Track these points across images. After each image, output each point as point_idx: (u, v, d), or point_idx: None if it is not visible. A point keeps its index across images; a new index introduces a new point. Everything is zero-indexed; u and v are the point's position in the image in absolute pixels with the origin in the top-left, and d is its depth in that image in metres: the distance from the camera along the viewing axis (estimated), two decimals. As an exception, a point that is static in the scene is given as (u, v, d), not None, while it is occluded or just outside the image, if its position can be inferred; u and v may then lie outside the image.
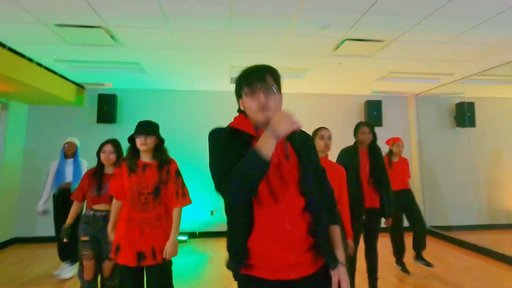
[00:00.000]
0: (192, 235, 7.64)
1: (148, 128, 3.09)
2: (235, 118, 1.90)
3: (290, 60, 6.02)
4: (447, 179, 8.65)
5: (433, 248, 6.79)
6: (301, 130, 1.88)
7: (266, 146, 1.61)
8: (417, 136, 8.88)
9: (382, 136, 8.39)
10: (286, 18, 4.35)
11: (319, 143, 3.42)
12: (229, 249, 1.76)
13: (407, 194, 5.62)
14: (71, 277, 5.06)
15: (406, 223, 5.51)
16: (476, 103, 8.75)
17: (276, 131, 1.62)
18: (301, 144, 1.90)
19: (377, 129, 8.06)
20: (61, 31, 4.64)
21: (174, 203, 3.13)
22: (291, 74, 6.87)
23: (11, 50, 5.36)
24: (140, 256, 2.94)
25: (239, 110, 1.92)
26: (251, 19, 4.37)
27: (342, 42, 5.17)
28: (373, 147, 4.32)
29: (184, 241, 7.34)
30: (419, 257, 5.57)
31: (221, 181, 1.63)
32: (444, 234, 7.89)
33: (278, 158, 1.80)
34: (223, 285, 4.72)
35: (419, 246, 5.54)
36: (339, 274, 1.71)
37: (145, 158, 3.13)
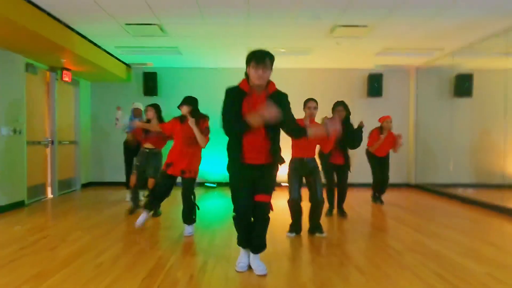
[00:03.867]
0: (220, 184, 10.42)
1: (187, 101, 5.50)
2: (242, 81, 3.86)
3: (295, 41, 8.32)
4: (441, 144, 10.46)
5: (419, 199, 9.21)
6: (279, 91, 3.87)
7: (253, 121, 3.54)
8: (415, 105, 11.01)
9: (381, 105, 10.71)
10: (287, 12, 6.56)
11: (306, 112, 5.47)
12: (229, 150, 3.87)
13: (385, 160, 8.03)
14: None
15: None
16: (475, 74, 10.15)
17: (264, 116, 3.58)
18: (277, 100, 3.67)
19: (376, 100, 10.72)
20: (128, 28, 7.20)
21: None
22: (298, 52, 9.16)
23: (89, 40, 8.03)
24: (182, 171, 5.42)
25: (245, 74, 3.85)
26: (263, 15, 6.66)
27: (335, 27, 7.28)
28: (346, 121, 6.52)
29: (214, 187, 10.15)
30: (378, 198, 8.20)
31: (224, 123, 3.78)
32: (430, 188, 10.15)
33: (256, 107, 3.68)
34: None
35: (380, 191, 8.12)
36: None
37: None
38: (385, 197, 8.24)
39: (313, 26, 7.32)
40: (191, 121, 5.24)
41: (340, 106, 6.52)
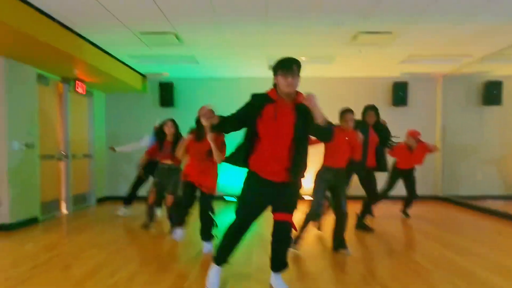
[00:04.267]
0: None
1: None
2: (270, 90, 3.82)
3: (316, 49, 8.29)
4: (470, 155, 10.46)
5: (447, 212, 9.09)
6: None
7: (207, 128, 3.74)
8: (442, 114, 10.84)
9: (406, 115, 10.64)
10: (307, 20, 6.54)
11: (343, 124, 5.41)
12: (235, 157, 3.85)
13: (410, 174, 8.07)
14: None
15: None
16: (505, 81, 10.30)
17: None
18: (305, 110, 3.64)
19: (401, 109, 10.65)
20: (143, 37, 7.26)
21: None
22: (320, 61, 9.11)
23: (102, 50, 8.11)
24: (199, 184, 5.43)
25: (274, 85, 3.73)
26: (282, 22, 6.65)
27: (357, 34, 7.23)
28: (376, 125, 6.63)
29: (233, 201, 10.04)
30: (405, 212, 8.22)
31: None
32: (458, 201, 9.97)
33: (285, 116, 3.64)
34: (262, 239, 5.97)
35: (407, 206, 8.16)
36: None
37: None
38: (411, 210, 8.16)
39: (334, 33, 7.27)
40: (210, 137, 5.01)
41: (371, 111, 6.59)
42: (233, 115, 3.79)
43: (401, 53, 8.66)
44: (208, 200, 5.49)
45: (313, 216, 5.34)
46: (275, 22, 6.65)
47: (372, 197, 6.80)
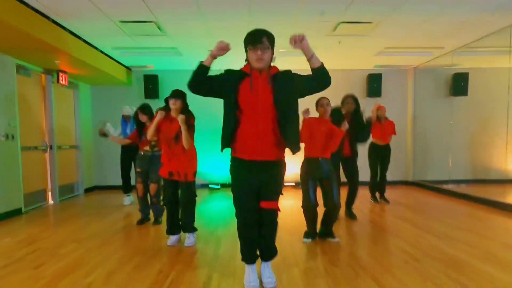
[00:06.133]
0: (223, 185, 9.82)
1: (177, 94, 4.70)
2: (244, 66, 3.20)
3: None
4: (438, 142, 9.99)
5: (420, 196, 8.51)
6: (285, 70, 3.18)
7: (205, 60, 3.12)
8: (412, 104, 10.42)
9: (382, 104, 10.01)
10: (291, 10, 5.93)
11: (320, 110, 4.84)
12: (222, 138, 3.15)
13: (386, 152, 7.58)
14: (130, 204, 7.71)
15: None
16: (470, 73, 9.82)
17: (212, 52, 3.11)
18: (283, 78, 3.09)
19: (376, 100, 9.75)
20: (123, 26, 6.45)
21: None
22: (298, 53, 8.39)
23: (85, 41, 7.26)
24: (170, 173, 4.61)
25: (246, 60, 3.18)
26: (264, 12, 5.99)
27: (338, 24, 6.63)
28: (355, 114, 5.90)
29: (218, 189, 9.52)
30: (381, 197, 7.65)
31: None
32: (428, 185, 9.60)
33: (261, 88, 3.05)
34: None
35: (381, 190, 7.64)
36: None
37: (174, 114, 4.65)
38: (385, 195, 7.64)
39: (315, 23, 6.60)
40: (180, 119, 4.40)
41: (350, 99, 5.94)
42: (211, 78, 3.19)
43: (379, 44, 8.08)
44: (186, 189, 4.67)
45: (308, 208, 4.66)
46: (259, 10, 5.93)
47: (354, 185, 6.13)
